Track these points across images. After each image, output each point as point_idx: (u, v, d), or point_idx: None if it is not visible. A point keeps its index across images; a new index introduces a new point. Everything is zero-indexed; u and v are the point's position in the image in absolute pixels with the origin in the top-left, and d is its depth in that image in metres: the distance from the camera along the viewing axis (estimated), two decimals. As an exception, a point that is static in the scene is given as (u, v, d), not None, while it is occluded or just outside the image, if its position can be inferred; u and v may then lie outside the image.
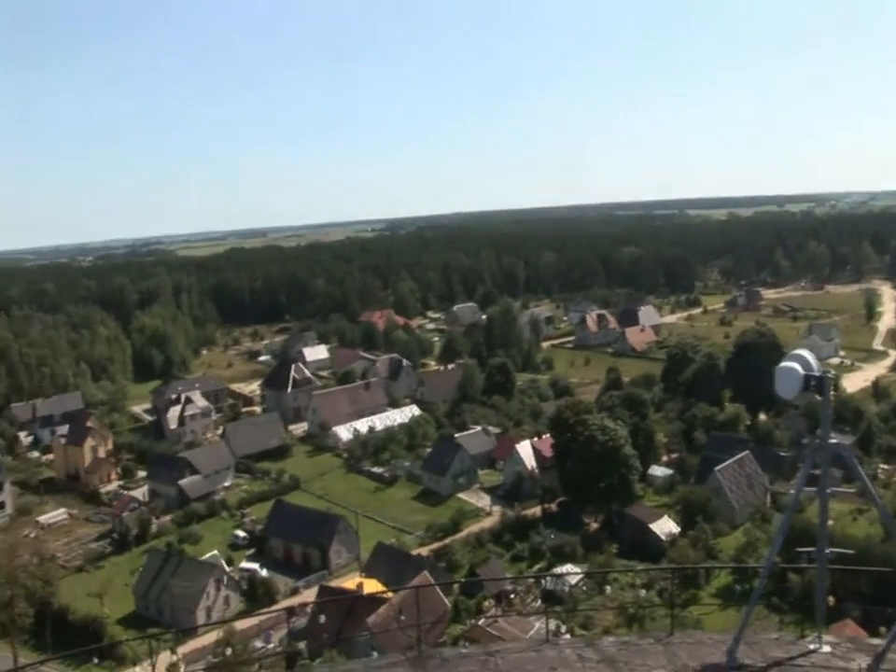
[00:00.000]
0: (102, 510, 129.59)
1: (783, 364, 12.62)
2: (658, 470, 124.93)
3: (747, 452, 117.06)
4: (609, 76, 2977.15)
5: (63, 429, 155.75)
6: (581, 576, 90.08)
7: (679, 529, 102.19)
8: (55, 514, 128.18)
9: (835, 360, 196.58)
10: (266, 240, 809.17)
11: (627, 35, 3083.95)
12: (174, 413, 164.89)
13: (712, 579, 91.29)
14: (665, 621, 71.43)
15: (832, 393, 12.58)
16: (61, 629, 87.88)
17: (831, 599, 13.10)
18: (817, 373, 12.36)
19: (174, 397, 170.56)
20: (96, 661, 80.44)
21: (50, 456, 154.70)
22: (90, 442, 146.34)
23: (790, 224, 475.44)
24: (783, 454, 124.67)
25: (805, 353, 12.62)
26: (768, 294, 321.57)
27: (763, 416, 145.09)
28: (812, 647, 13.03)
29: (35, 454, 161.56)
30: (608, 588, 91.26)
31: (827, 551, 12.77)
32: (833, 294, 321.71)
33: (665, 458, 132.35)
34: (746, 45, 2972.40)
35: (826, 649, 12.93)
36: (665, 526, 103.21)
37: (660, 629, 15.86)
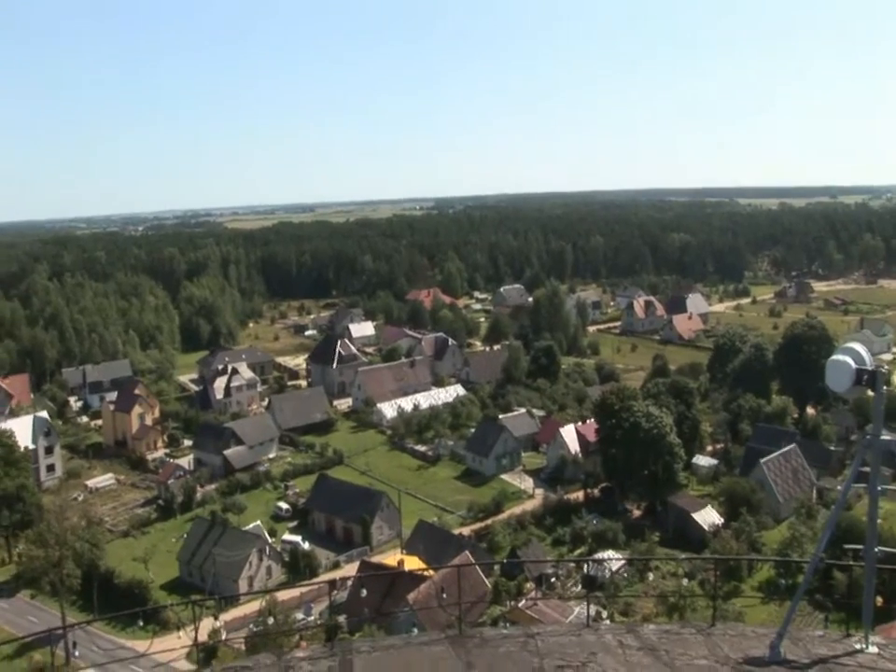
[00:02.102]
0: (148, 476, 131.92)
1: (835, 357, 12.48)
2: (702, 460, 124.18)
3: (793, 445, 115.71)
4: (658, 58, 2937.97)
5: (112, 396, 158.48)
6: (622, 562, 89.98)
7: (722, 520, 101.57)
8: (103, 479, 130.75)
9: (888, 356, 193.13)
10: (314, 215, 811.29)
11: (684, 21, 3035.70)
12: (220, 383, 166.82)
13: (755, 572, 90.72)
14: (706, 611, 71.04)
15: (884, 388, 12.42)
16: (106, 592, 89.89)
17: (878, 599, 12.96)
18: (869, 368, 12.21)
19: (220, 367, 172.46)
20: (141, 624, 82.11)
21: (99, 422, 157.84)
22: (137, 410, 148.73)
23: (843, 216, 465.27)
24: (831, 448, 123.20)
25: (858, 346, 12.47)
26: (819, 286, 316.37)
27: (810, 410, 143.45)
28: (858, 647, 12.93)
29: (84, 419, 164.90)
30: (649, 576, 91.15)
31: (876, 549, 12.67)
32: (887, 289, 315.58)
33: (709, 448, 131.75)
34: (804, 34, 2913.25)
35: (873, 650, 12.81)
36: (709, 517, 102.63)
37: (701, 620, 15.85)
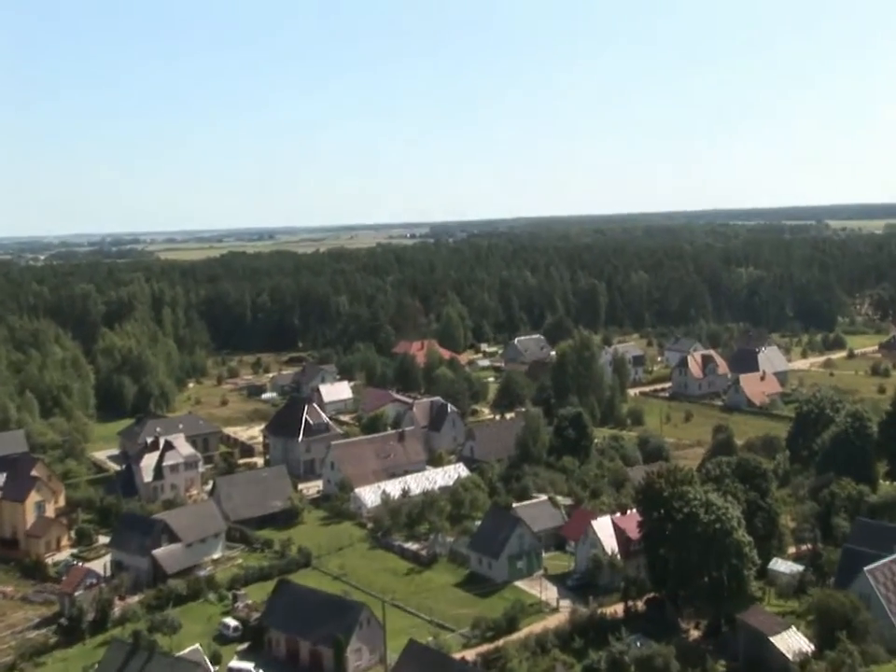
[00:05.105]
0: (47, 587, 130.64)
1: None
2: (783, 566, 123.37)
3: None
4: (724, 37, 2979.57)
5: (0, 479, 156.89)
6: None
7: (812, 647, 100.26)
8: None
9: None
10: (274, 243, 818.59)
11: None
12: (149, 461, 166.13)
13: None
14: None
15: None
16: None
17: None
18: None
19: (150, 441, 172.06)
20: None
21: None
22: (34, 497, 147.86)
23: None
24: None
25: None
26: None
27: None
28: None
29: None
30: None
31: None
32: None
33: (792, 550, 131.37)
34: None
35: None
36: (793, 642, 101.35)
37: None
